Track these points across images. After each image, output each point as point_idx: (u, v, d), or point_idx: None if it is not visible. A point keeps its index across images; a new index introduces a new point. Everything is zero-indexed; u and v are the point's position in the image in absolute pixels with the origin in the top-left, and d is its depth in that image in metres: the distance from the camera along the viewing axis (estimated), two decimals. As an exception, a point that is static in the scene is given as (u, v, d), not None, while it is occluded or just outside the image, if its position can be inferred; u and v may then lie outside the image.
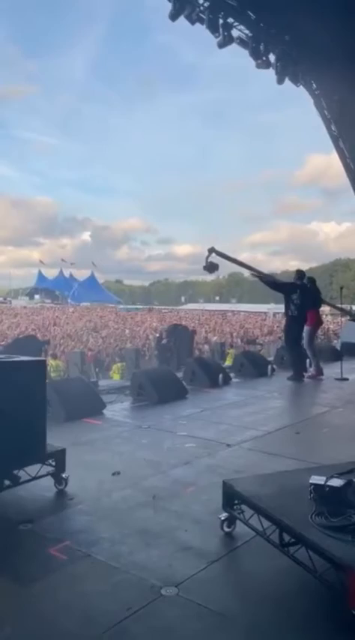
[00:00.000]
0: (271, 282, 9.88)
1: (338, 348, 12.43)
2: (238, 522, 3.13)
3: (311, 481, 2.88)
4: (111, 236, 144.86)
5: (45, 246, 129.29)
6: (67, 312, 39.69)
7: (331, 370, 9.64)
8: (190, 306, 57.53)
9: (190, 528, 3.25)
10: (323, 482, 2.85)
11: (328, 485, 2.83)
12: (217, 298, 72.47)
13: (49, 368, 11.93)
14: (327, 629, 2.30)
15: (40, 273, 75.50)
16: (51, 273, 75.35)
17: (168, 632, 2.27)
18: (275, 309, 42.12)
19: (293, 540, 2.64)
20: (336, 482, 2.84)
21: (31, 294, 72.64)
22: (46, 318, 32.24)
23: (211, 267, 9.00)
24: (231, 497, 3.14)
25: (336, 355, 11.29)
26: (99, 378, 14.09)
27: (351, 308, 20.44)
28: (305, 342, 9.23)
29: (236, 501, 3.12)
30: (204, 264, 9.02)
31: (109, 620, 2.31)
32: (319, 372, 9.28)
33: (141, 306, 62.21)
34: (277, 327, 28.87)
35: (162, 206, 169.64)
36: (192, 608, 2.43)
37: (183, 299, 77.77)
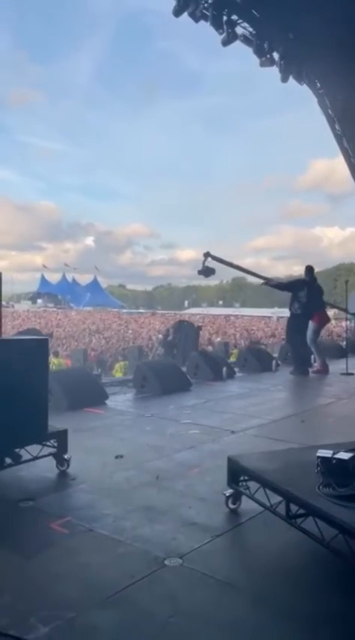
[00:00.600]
0: (277, 285, 9.83)
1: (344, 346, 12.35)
2: (243, 500, 3.07)
3: (317, 454, 2.82)
4: (114, 241, 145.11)
5: (48, 250, 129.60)
6: (69, 316, 39.71)
7: (336, 366, 9.56)
8: (193, 310, 57.46)
9: (194, 505, 3.19)
10: (330, 455, 2.79)
11: (335, 458, 2.77)
12: (220, 303, 72.37)
13: (51, 367, 11.90)
14: (336, 597, 2.23)
15: (43, 277, 75.63)
16: (54, 278, 75.46)
17: (172, 599, 2.21)
18: (279, 313, 41.98)
19: (300, 512, 2.59)
20: (344, 455, 2.78)
21: (33, 298, 72.66)
22: (48, 320, 32.28)
23: (207, 272, 9.12)
24: (237, 473, 3.08)
25: (342, 352, 11.22)
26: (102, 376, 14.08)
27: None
28: (308, 338, 9.15)
29: (241, 477, 3.06)
30: (200, 268, 9.14)
31: (112, 588, 2.25)
32: (325, 368, 9.20)
33: (144, 311, 62.17)
34: (281, 329, 28.81)
35: (165, 211, 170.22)
36: (197, 578, 2.37)
37: (186, 303, 77.74)
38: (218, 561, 2.54)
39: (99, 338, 20.18)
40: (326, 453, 2.83)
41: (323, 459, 2.80)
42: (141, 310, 63.72)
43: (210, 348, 18.02)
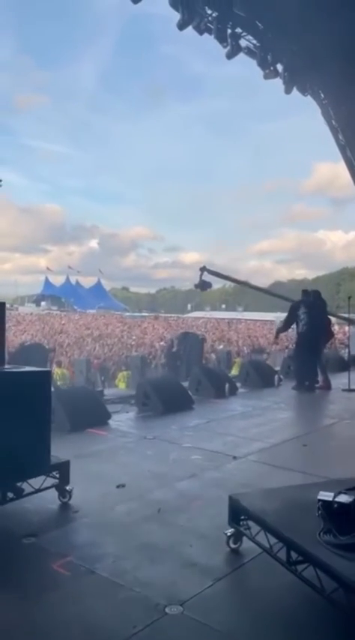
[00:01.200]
0: (284, 326, 9.87)
1: (346, 358, 12.34)
2: (244, 538, 3.08)
3: (318, 497, 2.82)
4: (118, 244, 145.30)
5: (52, 253, 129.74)
6: (72, 320, 39.74)
7: (338, 381, 9.56)
8: (196, 313, 57.41)
9: (196, 544, 3.20)
10: (331, 499, 2.79)
11: (336, 502, 2.77)
12: (223, 306, 72.36)
13: (54, 376, 11.93)
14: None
15: (46, 280, 75.78)
16: (58, 280, 75.59)
17: (172, 652, 2.22)
18: (282, 317, 41.87)
19: (300, 558, 2.59)
20: (345, 498, 2.78)
21: (37, 300, 72.78)
22: (52, 325, 32.31)
23: (203, 285, 9.36)
24: (238, 513, 3.09)
25: (343, 365, 11.21)
26: (105, 387, 14.08)
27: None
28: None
29: (242, 517, 3.07)
30: (197, 282, 9.33)
31: (113, 639, 2.27)
32: (327, 384, 9.20)
33: (147, 314, 62.18)
34: (284, 335, 28.75)
35: (169, 214, 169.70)
36: (197, 628, 2.38)
37: (189, 307, 77.65)
38: (218, 609, 2.55)
39: (102, 345, 20.21)
40: (328, 496, 2.83)
41: (325, 503, 2.80)
42: (144, 313, 63.72)
43: (213, 356, 18.04)
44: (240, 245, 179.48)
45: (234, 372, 14.87)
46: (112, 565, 2.93)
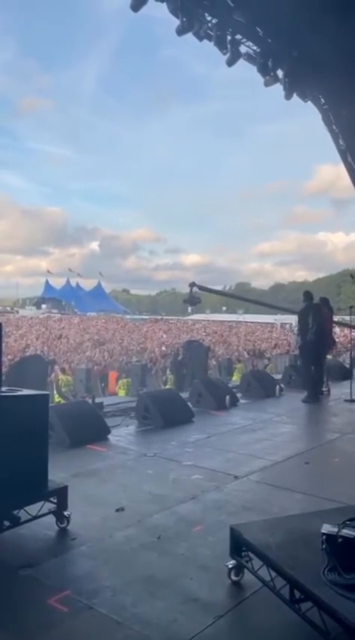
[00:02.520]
0: (303, 335, 9.64)
1: (347, 366, 12.27)
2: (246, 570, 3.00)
3: (322, 531, 2.74)
4: (119, 246, 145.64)
5: (54, 255, 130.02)
6: (72, 323, 39.66)
7: (340, 390, 9.50)
8: (197, 316, 57.27)
9: (196, 576, 3.12)
10: (335, 533, 2.71)
11: (341, 536, 2.69)
12: (224, 309, 72.21)
13: (59, 383, 11.84)
14: None
15: (47, 282, 75.77)
16: (58, 283, 75.61)
17: None
18: (282, 319, 41.87)
19: (303, 596, 2.52)
20: (349, 532, 2.71)
21: (38, 303, 72.75)
22: (51, 328, 32.23)
23: (193, 301, 9.50)
24: (239, 545, 3.01)
25: (345, 374, 11.13)
26: (105, 394, 14.01)
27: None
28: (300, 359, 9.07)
29: (244, 548, 2.99)
30: (186, 298, 9.45)
31: None
32: (328, 392, 9.14)
33: (147, 316, 62.09)
34: (283, 338, 28.67)
35: (171, 216, 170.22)
36: (197, 674, 2.30)
37: (189, 309, 77.60)
38: (220, 651, 2.48)
39: (102, 350, 20.12)
40: (332, 529, 2.75)
41: (329, 537, 2.73)
42: (144, 316, 63.64)
43: (213, 362, 17.96)
44: (241, 247, 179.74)
45: (235, 378, 14.81)
46: (111, 600, 2.85)
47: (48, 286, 75.19)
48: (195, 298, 9.44)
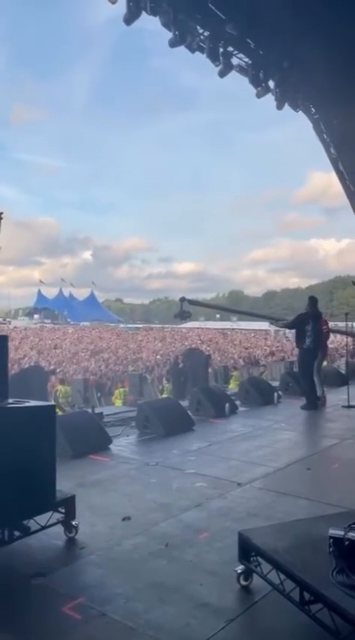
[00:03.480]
0: (285, 324, 9.89)
1: (343, 372, 12.38)
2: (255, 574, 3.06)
3: (330, 534, 2.81)
4: (112, 255, 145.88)
5: (46, 265, 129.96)
6: (66, 334, 39.62)
7: (337, 397, 9.58)
8: (191, 324, 57.39)
9: (205, 581, 3.17)
10: (342, 535, 2.78)
11: (348, 539, 2.76)
12: (218, 316, 72.50)
13: (58, 393, 11.86)
14: None
15: (39, 292, 75.66)
16: (51, 293, 75.54)
17: None
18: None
19: (313, 598, 2.58)
20: (355, 534, 2.78)
21: (30, 314, 72.58)
22: (46, 339, 32.17)
23: (183, 315, 9.67)
24: (248, 550, 3.07)
25: (342, 380, 11.24)
26: (102, 404, 14.03)
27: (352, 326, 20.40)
28: (315, 369, 9.15)
29: (252, 553, 3.05)
30: (176, 312, 9.65)
31: None
32: (324, 399, 9.22)
33: (141, 325, 62.10)
34: (277, 346, 28.81)
35: (163, 225, 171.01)
36: None
37: (184, 317, 77.50)
38: (233, 654, 2.54)
39: (98, 360, 20.15)
40: (338, 532, 2.82)
41: (336, 540, 2.79)
42: (138, 325, 63.63)
43: (209, 370, 18.03)
44: (233, 254, 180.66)
45: (232, 385, 14.89)
46: (123, 607, 2.90)
47: (40, 296, 75.06)
48: (185, 313, 9.65)
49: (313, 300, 9.31)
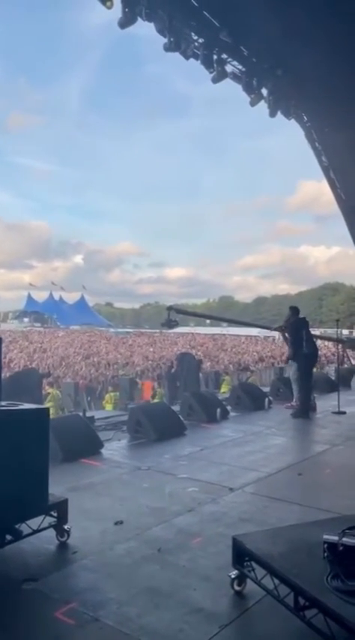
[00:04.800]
0: (294, 347, 9.72)
1: (333, 378, 12.44)
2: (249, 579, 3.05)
3: (324, 539, 2.82)
4: (103, 259, 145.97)
5: (37, 269, 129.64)
6: (56, 337, 39.41)
7: (327, 403, 9.62)
8: (181, 329, 57.37)
9: (199, 586, 3.16)
10: (336, 541, 2.79)
11: (342, 544, 2.77)
12: (208, 322, 72.69)
13: (49, 397, 11.74)
14: None
15: (29, 296, 75.33)
16: (41, 296, 75.24)
17: None
18: (265, 332, 42.14)
19: (308, 604, 2.58)
20: (350, 540, 2.79)
21: (20, 317, 72.24)
22: (35, 342, 31.98)
23: (170, 324, 9.81)
24: (242, 555, 3.06)
25: (332, 386, 11.29)
26: (92, 408, 13.96)
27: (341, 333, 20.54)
28: (293, 374, 9.16)
29: (246, 558, 3.05)
30: (163, 321, 9.78)
31: None
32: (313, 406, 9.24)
33: (131, 330, 62.02)
34: (268, 352, 28.88)
35: (155, 230, 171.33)
36: None
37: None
38: (227, 660, 2.52)
39: (88, 365, 20.06)
40: (333, 538, 2.83)
41: (330, 545, 2.80)
42: (128, 329, 63.55)
43: (200, 375, 18.01)
44: (224, 260, 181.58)
45: (223, 390, 14.91)
46: (117, 612, 2.88)
47: (30, 300, 74.74)
48: (173, 322, 9.75)
49: (294, 309, 9.38)
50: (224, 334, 48.73)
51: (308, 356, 8.87)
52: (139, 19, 11.12)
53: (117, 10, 11.19)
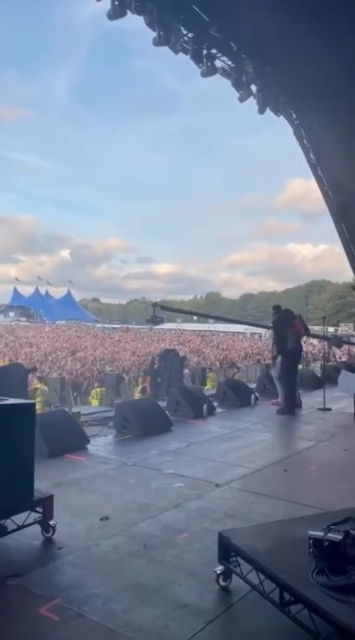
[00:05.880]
0: (279, 344, 9.71)
1: (319, 375, 12.52)
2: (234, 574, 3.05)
3: (309, 535, 2.83)
4: (91, 254, 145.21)
5: (24, 263, 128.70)
6: (42, 332, 39.19)
7: (312, 399, 9.68)
8: (168, 325, 57.35)
9: (185, 582, 3.16)
10: (321, 537, 2.80)
11: (327, 540, 2.78)
12: (195, 318, 72.76)
13: (37, 392, 11.65)
14: None
15: (15, 290, 74.77)
16: (27, 291, 74.74)
17: None
18: (251, 329, 42.32)
19: (293, 599, 2.58)
20: (335, 535, 2.80)
21: (5, 311, 71.69)
22: (21, 338, 31.76)
23: (155, 320, 9.92)
24: (228, 550, 3.07)
25: (317, 383, 11.36)
26: (78, 404, 13.91)
27: (327, 330, 20.68)
28: (277, 371, 9.19)
29: (232, 554, 3.05)
30: (149, 318, 9.89)
31: None
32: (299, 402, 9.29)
33: (118, 325, 61.86)
34: (255, 348, 29.01)
35: (143, 226, 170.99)
36: None
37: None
38: (212, 655, 2.52)
39: (74, 360, 19.96)
40: (318, 533, 2.84)
41: (315, 541, 2.81)
42: (115, 325, 63.36)
43: (186, 372, 18.03)
44: (212, 257, 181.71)
45: (209, 386, 14.92)
46: (102, 607, 2.87)
47: (16, 294, 74.22)
48: (158, 318, 9.85)
49: (277, 308, 9.45)
50: (211, 330, 48.82)
51: (291, 352, 8.89)
52: (128, 12, 11.03)
53: (106, 3, 11.11)
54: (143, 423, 6.96)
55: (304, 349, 13.76)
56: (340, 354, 20.68)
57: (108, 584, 3.11)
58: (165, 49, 12.00)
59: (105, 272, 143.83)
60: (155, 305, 9.84)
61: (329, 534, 2.79)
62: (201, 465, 5.64)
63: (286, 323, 8.98)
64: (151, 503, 4.45)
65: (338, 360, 18.08)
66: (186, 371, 17.72)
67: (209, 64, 12.36)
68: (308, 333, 9.90)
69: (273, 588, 2.64)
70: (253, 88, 13.73)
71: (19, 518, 3.61)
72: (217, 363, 21.84)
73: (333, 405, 9.06)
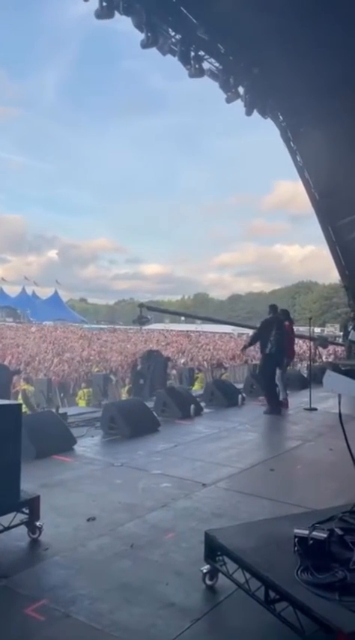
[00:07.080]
0: (251, 341, 9.89)
1: (305, 375, 12.61)
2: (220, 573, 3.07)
3: (294, 533, 2.86)
4: (79, 254, 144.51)
5: (11, 263, 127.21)
6: (29, 332, 38.96)
7: (299, 399, 9.76)
8: (156, 326, 57.29)
9: (171, 581, 3.17)
10: (306, 535, 2.83)
11: (312, 538, 2.81)
12: (182, 319, 72.84)
13: (26, 393, 11.58)
14: None
15: (1, 290, 74.15)
16: (14, 291, 74.11)
17: None
18: (239, 329, 42.43)
19: (278, 597, 2.61)
20: (319, 534, 2.83)
21: (-9, 311, 71.03)
22: (7, 338, 31.53)
23: (141, 320, 10.01)
24: (214, 549, 3.09)
25: (304, 383, 11.44)
26: (65, 405, 13.84)
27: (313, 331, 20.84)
28: (278, 374, 9.26)
29: (219, 553, 3.07)
30: (135, 318, 9.97)
31: None
32: (286, 403, 9.36)
33: (105, 326, 61.69)
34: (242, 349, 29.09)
35: (132, 227, 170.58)
36: None
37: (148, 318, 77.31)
38: (198, 654, 2.54)
39: (61, 361, 19.88)
40: (303, 532, 2.87)
41: (301, 539, 2.84)
42: (102, 325, 63.18)
43: (174, 372, 18.05)
44: (200, 258, 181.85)
45: (197, 387, 14.95)
46: (88, 607, 2.87)
47: (2, 294, 73.56)
48: (144, 318, 9.89)
49: (273, 308, 9.48)
50: (198, 331, 48.86)
51: (270, 355, 8.94)
52: (116, 13, 11.01)
53: (94, 3, 11.07)
54: (130, 424, 6.97)
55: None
56: (326, 355, 20.87)
57: (94, 585, 3.12)
58: (152, 50, 12.00)
59: (93, 272, 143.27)
60: (141, 305, 9.90)
61: (314, 533, 2.83)
62: (189, 465, 5.66)
63: (272, 325, 9.02)
64: (138, 504, 4.46)
65: (325, 360, 18.23)
66: (174, 371, 17.74)
67: (197, 65, 12.36)
68: (292, 336, 9.95)
69: (259, 586, 2.67)
70: (240, 90, 13.77)
71: (5, 519, 3.60)
72: (205, 363, 21.90)
73: (319, 405, 9.12)
